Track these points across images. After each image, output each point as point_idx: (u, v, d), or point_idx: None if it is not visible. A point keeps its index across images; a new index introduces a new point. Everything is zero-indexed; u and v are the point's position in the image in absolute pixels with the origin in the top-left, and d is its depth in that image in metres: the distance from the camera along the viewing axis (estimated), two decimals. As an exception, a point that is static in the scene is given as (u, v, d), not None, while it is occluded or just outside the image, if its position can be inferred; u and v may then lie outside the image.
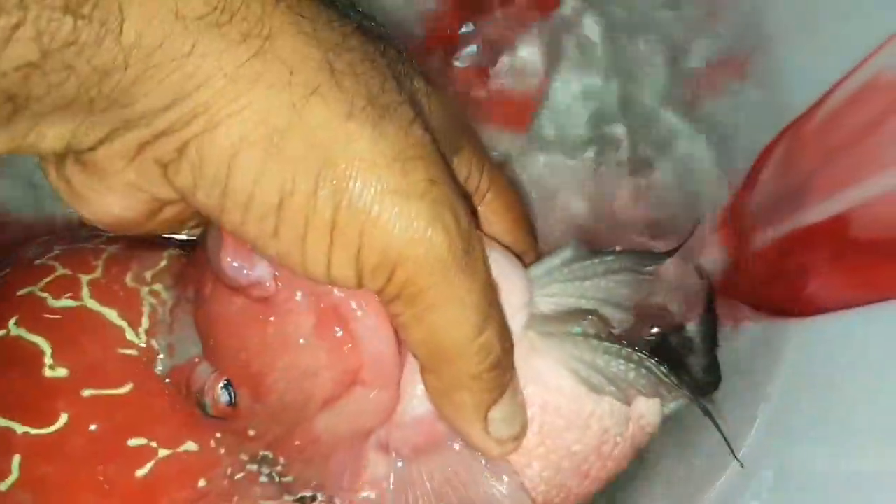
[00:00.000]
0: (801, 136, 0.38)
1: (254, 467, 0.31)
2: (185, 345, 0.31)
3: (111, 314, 0.31)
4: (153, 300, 0.32)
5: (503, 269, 0.31)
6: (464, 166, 0.33)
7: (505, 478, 0.32)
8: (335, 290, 0.29)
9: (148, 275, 0.32)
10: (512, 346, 0.30)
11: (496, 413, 0.30)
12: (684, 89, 0.43)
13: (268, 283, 0.29)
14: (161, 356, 0.31)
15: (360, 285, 0.27)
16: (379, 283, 0.27)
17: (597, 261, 0.33)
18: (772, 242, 0.40)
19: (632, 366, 0.32)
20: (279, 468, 0.31)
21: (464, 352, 0.28)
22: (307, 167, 0.25)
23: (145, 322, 0.31)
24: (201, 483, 0.30)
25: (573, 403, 0.32)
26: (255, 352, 0.30)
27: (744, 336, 0.41)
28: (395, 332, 0.29)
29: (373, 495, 0.31)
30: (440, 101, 0.30)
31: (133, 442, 0.30)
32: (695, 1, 0.42)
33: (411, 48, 0.44)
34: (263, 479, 0.31)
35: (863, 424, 0.32)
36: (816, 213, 0.37)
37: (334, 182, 0.25)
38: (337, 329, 0.29)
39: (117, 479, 0.30)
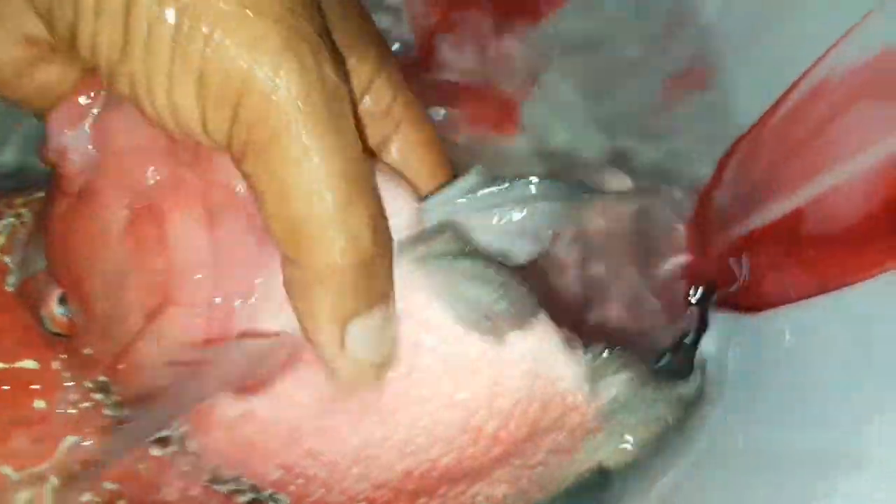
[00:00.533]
0: (760, 139, 0.40)
1: (98, 396, 0.30)
2: (34, 260, 0.30)
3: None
4: (15, 221, 0.31)
5: (385, 187, 0.28)
6: (371, 77, 0.30)
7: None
8: (156, 184, 0.27)
9: (19, 200, 0.32)
10: (389, 255, 0.27)
11: (357, 328, 0.27)
12: (649, 100, 0.45)
13: (74, 158, 0.27)
14: (12, 272, 0.31)
15: (206, 129, 0.25)
16: (224, 122, 0.24)
17: (507, 186, 0.30)
18: (733, 242, 0.41)
19: (500, 293, 0.29)
20: (115, 397, 0.29)
21: (325, 231, 0.25)
22: None
23: (1, 240, 0.31)
24: (38, 404, 0.30)
25: (453, 344, 0.29)
26: (73, 253, 0.28)
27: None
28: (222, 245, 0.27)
29: (229, 438, 0.29)
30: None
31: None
32: (655, 15, 0.44)
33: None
34: (107, 411, 0.30)
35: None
36: (774, 211, 0.38)
37: None
38: (150, 229, 0.27)
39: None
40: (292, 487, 0.30)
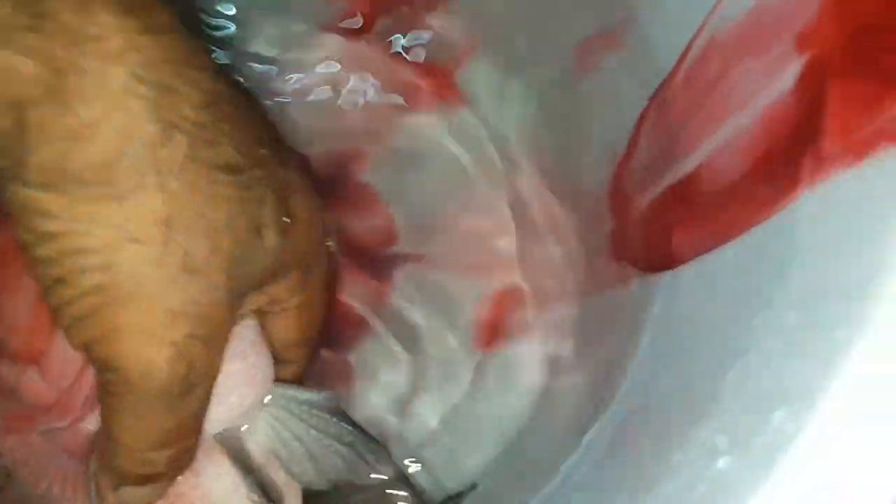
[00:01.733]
0: (667, 99, 0.41)
1: None
2: None
3: None
4: None
5: (235, 382, 0.32)
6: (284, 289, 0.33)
7: None
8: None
9: None
10: (182, 468, 0.31)
11: (127, 492, 0.30)
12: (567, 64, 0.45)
13: None
14: None
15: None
16: (77, 338, 0.27)
17: (335, 420, 0.34)
18: (648, 204, 0.42)
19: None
20: None
21: (127, 456, 0.29)
22: None
23: None
24: None
25: None
26: None
27: (629, 294, 0.43)
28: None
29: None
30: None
31: None
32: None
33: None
34: None
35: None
36: (680, 171, 0.39)
37: None
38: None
39: None
40: None
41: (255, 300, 0.32)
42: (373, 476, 0.35)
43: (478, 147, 0.51)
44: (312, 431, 0.33)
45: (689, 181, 0.38)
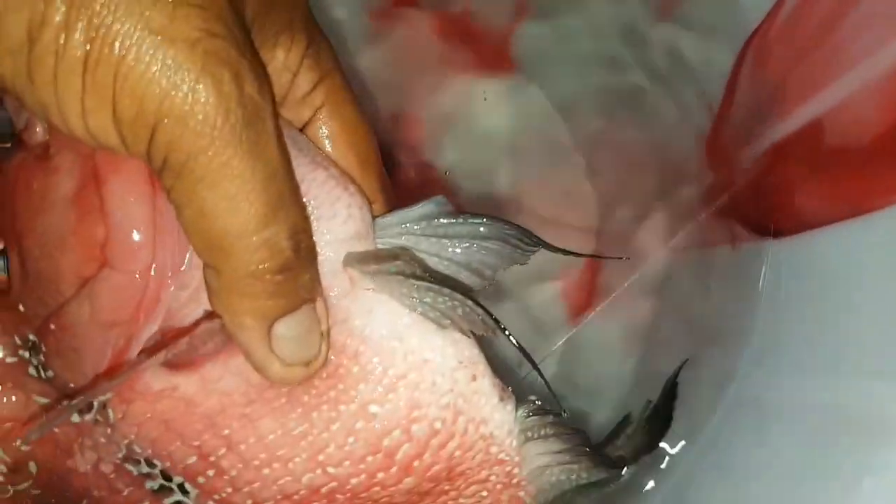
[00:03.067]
0: (765, 46, 0.36)
1: (25, 354, 0.30)
2: None
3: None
4: None
5: (326, 194, 0.29)
6: (297, 65, 0.30)
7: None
8: (103, 155, 0.27)
9: None
10: (314, 256, 0.27)
11: (284, 328, 0.27)
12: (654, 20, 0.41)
13: (38, 130, 0.28)
14: None
15: (125, 146, 0.25)
16: (141, 143, 0.24)
17: (461, 221, 0.30)
18: (754, 160, 0.38)
19: (457, 303, 0.29)
20: (42, 358, 0.29)
21: (240, 245, 0.25)
22: None
23: None
24: None
25: (378, 355, 0.29)
26: (20, 209, 0.28)
27: (740, 256, 0.40)
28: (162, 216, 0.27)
29: (149, 410, 0.29)
30: None
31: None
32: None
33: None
34: (32, 370, 0.30)
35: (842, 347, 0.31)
36: (790, 123, 0.35)
37: (89, 14, 0.23)
38: (93, 198, 0.27)
39: None
40: (201, 479, 0.30)
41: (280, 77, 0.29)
42: (527, 251, 0.30)
43: (539, 113, 0.48)
44: (446, 241, 0.30)
45: (808, 134, 0.34)
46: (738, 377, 0.36)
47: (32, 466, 0.31)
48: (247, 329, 0.27)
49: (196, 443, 0.29)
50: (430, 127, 0.48)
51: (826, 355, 0.32)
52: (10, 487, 0.31)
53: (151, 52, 0.23)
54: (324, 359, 0.28)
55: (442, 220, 0.30)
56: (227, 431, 0.29)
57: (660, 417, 0.37)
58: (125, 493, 0.31)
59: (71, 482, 0.31)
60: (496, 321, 0.29)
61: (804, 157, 0.34)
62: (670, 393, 0.38)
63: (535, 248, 0.30)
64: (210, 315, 0.28)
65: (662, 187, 0.45)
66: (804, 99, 0.34)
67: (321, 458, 0.30)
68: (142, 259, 0.27)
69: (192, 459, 0.30)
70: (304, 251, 0.27)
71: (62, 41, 0.23)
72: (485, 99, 0.47)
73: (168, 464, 0.30)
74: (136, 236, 0.27)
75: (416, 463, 0.30)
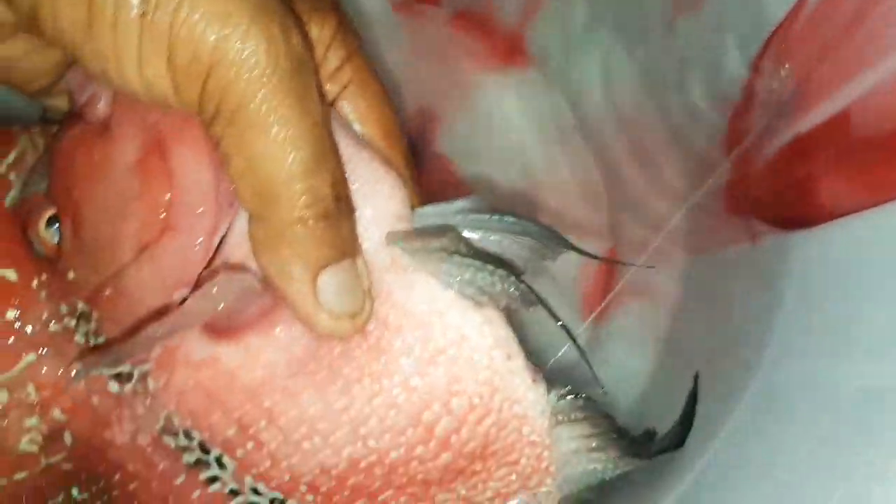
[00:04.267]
0: (788, 41, 0.37)
1: (71, 322, 0.30)
2: (36, 181, 0.31)
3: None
4: (29, 144, 0.32)
5: (371, 173, 0.29)
6: (327, 43, 0.30)
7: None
8: (169, 122, 0.28)
9: (36, 129, 0.32)
10: (352, 209, 0.28)
11: (328, 278, 0.28)
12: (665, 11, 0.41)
13: (101, 104, 0.29)
14: (14, 189, 0.31)
15: (178, 95, 0.26)
16: (194, 91, 0.26)
17: (496, 217, 0.31)
18: (776, 153, 0.38)
19: (496, 279, 0.29)
20: (93, 325, 0.30)
21: (287, 191, 0.26)
22: None
23: (11, 157, 0.31)
24: (10, 314, 0.30)
25: (419, 329, 0.29)
26: (79, 178, 0.29)
27: (761, 251, 0.40)
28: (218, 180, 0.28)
29: (190, 380, 0.29)
30: None
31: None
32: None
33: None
34: (79, 338, 0.30)
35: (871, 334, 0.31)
36: (817, 115, 0.36)
37: None
38: (159, 163, 0.28)
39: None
40: (240, 452, 0.30)
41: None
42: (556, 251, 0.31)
43: (550, 109, 0.48)
44: (479, 233, 0.30)
45: (836, 125, 0.34)
46: (763, 369, 0.36)
47: (68, 437, 0.31)
48: (294, 280, 0.27)
49: (237, 414, 0.29)
50: (443, 118, 0.48)
51: (858, 340, 0.32)
52: (42, 460, 0.31)
53: (206, 1, 0.25)
54: (368, 315, 0.29)
55: (478, 216, 0.31)
56: (268, 404, 0.29)
57: (684, 416, 0.38)
58: (161, 468, 0.31)
59: (106, 455, 0.31)
60: (538, 296, 0.30)
61: (830, 148, 0.35)
62: (692, 392, 0.38)
63: (563, 250, 0.31)
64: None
65: (679, 185, 0.45)
66: (830, 91, 0.35)
67: (363, 431, 0.30)
68: (205, 223, 0.28)
69: (232, 431, 0.30)
70: (343, 201, 0.28)
71: None
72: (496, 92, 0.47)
73: (207, 435, 0.30)
74: (200, 201, 0.28)
75: (453, 438, 0.30)
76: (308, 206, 0.27)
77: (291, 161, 0.26)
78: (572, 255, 0.45)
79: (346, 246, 0.28)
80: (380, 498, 0.31)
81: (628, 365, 0.47)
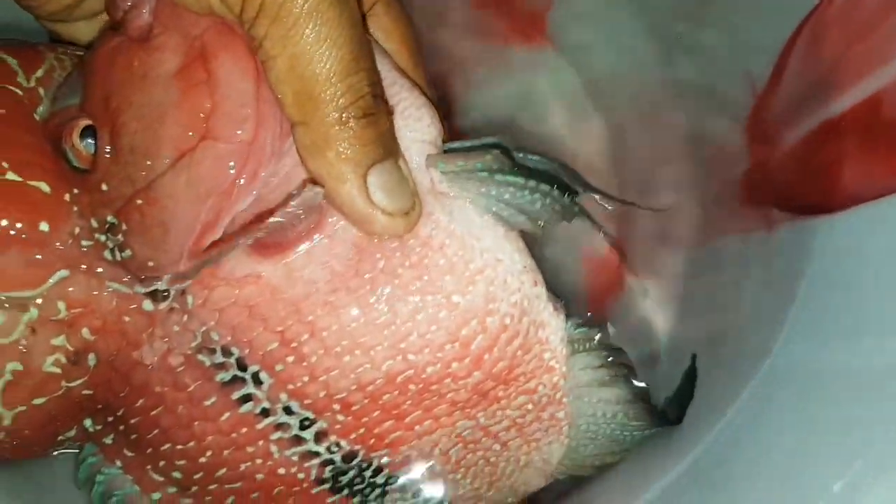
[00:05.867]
0: (823, 24, 0.37)
1: (101, 237, 0.30)
2: (66, 95, 0.30)
3: (11, 60, 0.31)
4: (55, 62, 0.32)
5: (414, 98, 0.30)
6: None
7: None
8: (212, 32, 0.28)
9: (61, 48, 0.32)
10: (391, 120, 0.29)
11: (377, 177, 0.28)
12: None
13: (145, 11, 0.29)
14: (43, 104, 0.31)
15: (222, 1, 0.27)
16: None
17: (522, 156, 0.32)
18: (801, 138, 0.38)
19: (538, 196, 0.31)
20: (120, 238, 0.30)
21: (328, 91, 0.27)
22: None
23: (40, 72, 0.31)
24: (43, 226, 0.30)
25: (461, 249, 0.30)
26: (117, 87, 0.29)
27: (777, 239, 0.40)
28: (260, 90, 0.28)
29: (232, 296, 0.30)
30: None
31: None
32: None
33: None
34: (107, 254, 0.30)
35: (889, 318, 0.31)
36: (846, 100, 0.36)
37: None
38: (201, 73, 0.28)
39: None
40: (280, 367, 0.30)
41: None
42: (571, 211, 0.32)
43: (569, 92, 0.48)
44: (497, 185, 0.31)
45: (866, 109, 0.34)
46: (776, 352, 0.36)
47: (92, 359, 0.31)
48: (345, 181, 0.28)
49: (279, 328, 0.30)
50: (459, 92, 0.48)
51: (876, 323, 0.31)
52: (63, 383, 0.31)
53: None
54: (419, 214, 0.30)
55: (504, 165, 0.31)
56: (311, 318, 0.30)
57: (681, 393, 0.39)
58: (191, 388, 0.31)
59: (130, 379, 0.31)
60: (581, 209, 0.32)
61: (860, 132, 0.35)
62: (691, 371, 0.40)
63: (584, 190, 0.32)
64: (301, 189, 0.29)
65: (696, 170, 0.45)
66: (862, 75, 0.35)
67: (403, 345, 0.30)
68: (245, 132, 0.28)
69: (274, 346, 0.30)
70: (380, 100, 0.29)
71: None
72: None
73: (247, 351, 0.30)
74: (241, 109, 0.28)
75: (486, 356, 0.31)
76: (349, 105, 0.28)
77: (333, 60, 0.27)
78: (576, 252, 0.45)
79: (388, 144, 0.29)
80: (406, 419, 0.32)
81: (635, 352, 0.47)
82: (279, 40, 0.27)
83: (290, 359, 0.30)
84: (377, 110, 0.28)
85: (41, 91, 0.31)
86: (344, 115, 0.28)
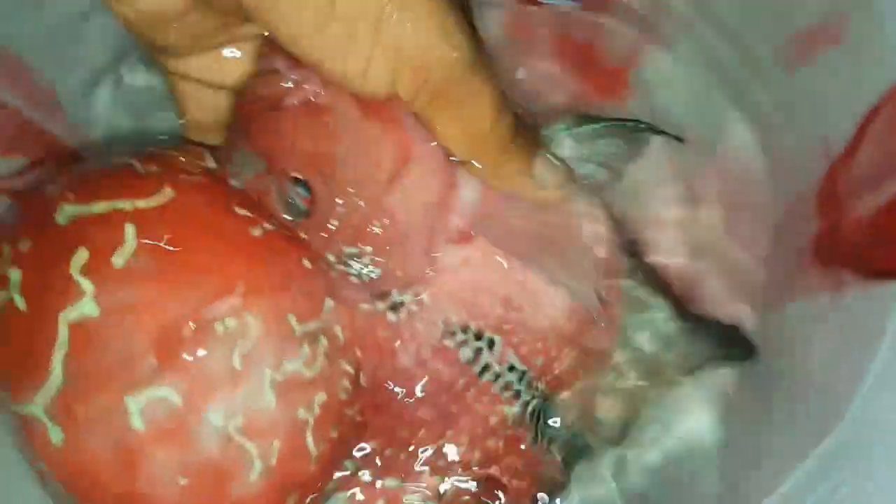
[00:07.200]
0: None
1: (341, 267, 0.35)
2: (245, 166, 0.35)
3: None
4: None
5: None
6: None
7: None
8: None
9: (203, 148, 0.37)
10: (522, 122, 0.36)
11: (539, 169, 0.37)
12: (777, 60, 0.43)
13: (316, 87, 0.33)
14: (232, 177, 0.35)
15: (394, 89, 0.32)
16: (414, 85, 0.32)
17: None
18: (878, 206, 0.39)
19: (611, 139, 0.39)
20: (366, 261, 0.35)
21: (492, 133, 0.35)
22: None
23: (211, 163, 0.36)
24: (305, 263, 0.34)
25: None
26: (313, 141, 0.34)
27: (847, 302, 0.41)
28: None
29: (457, 281, 0.36)
30: None
31: (240, 211, 0.34)
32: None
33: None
34: (353, 279, 0.35)
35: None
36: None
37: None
38: (382, 115, 0.34)
39: (234, 236, 0.33)
40: (507, 326, 0.37)
41: None
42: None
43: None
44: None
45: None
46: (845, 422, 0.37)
47: (362, 378, 0.36)
48: (524, 180, 0.37)
49: (500, 292, 0.37)
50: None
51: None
52: (347, 411, 0.35)
53: (427, 15, 0.32)
54: (569, 172, 0.38)
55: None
56: (519, 276, 0.37)
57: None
58: (446, 376, 0.37)
59: (395, 384, 0.37)
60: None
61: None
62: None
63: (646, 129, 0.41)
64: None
65: (762, 232, 0.46)
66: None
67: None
68: (436, 154, 0.35)
69: (499, 309, 0.37)
70: (517, 120, 0.36)
71: (364, 9, 0.31)
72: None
73: (482, 322, 0.37)
74: (427, 137, 0.34)
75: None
76: (505, 138, 0.35)
77: (491, 115, 0.35)
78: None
79: (534, 144, 0.37)
80: (551, 355, 0.39)
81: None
82: (447, 119, 0.34)
83: (513, 315, 0.37)
84: (519, 128, 0.36)
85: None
86: (507, 145, 0.36)
